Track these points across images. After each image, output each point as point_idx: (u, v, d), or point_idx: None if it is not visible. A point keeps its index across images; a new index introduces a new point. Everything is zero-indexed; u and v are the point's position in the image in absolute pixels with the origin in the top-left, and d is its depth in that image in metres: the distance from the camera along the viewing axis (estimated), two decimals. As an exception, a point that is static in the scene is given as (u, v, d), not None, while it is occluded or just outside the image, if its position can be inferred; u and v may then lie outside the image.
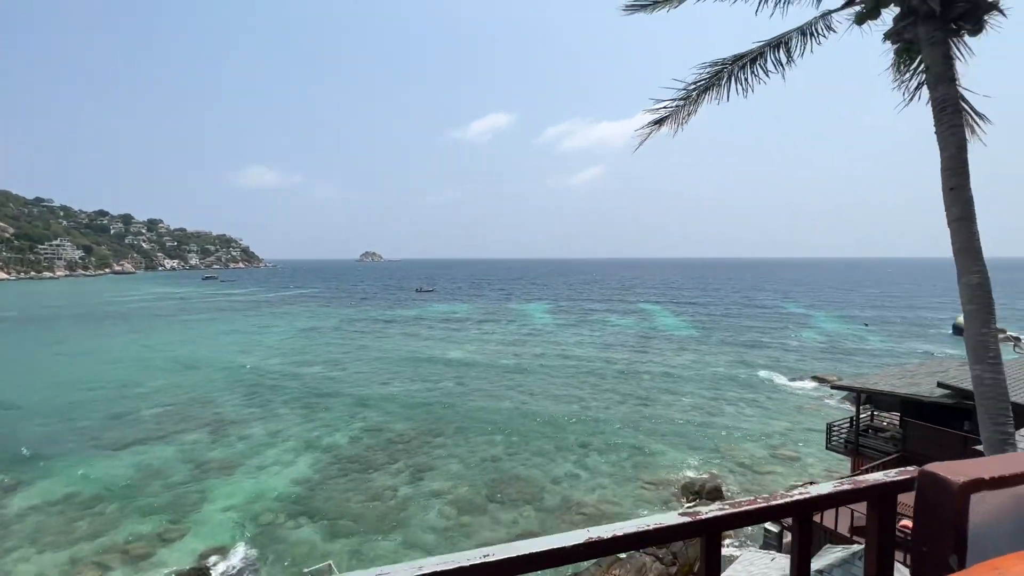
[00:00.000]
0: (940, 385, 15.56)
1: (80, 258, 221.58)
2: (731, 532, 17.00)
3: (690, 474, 21.61)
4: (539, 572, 0.98)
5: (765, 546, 14.40)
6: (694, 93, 8.15)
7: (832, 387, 20.90)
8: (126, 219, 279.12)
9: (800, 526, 1.26)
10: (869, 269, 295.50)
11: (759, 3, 7.92)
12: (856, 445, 17.53)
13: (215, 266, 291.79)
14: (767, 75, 8.03)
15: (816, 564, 7.30)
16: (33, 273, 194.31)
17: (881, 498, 1.30)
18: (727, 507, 1.14)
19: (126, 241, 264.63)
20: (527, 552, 0.96)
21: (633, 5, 8.00)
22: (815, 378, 37.36)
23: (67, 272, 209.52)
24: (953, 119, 6.65)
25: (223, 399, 33.37)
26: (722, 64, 8.11)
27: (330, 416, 29.78)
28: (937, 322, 67.21)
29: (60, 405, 32.04)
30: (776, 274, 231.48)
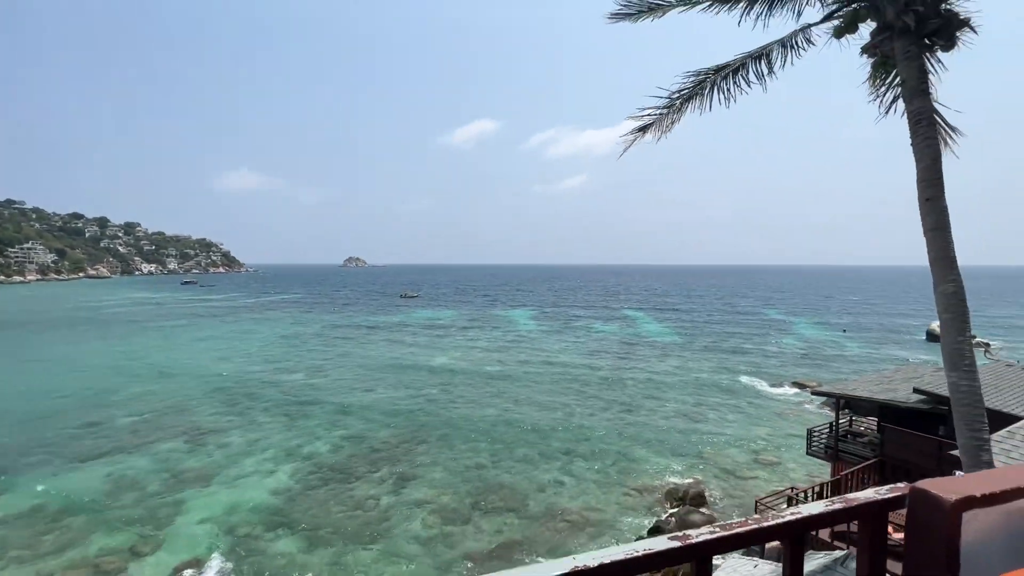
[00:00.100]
0: (916, 391, 15.89)
1: (53, 262, 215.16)
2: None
3: (674, 480, 21.67)
4: None
5: (747, 552, 14.48)
6: (678, 102, 8.24)
7: (812, 393, 21.25)
8: (102, 222, 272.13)
9: (792, 548, 1.22)
10: (850, 277, 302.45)
11: (742, 15, 8.05)
12: (836, 450, 17.79)
13: (195, 271, 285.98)
14: (749, 86, 8.16)
15: (798, 570, 7.32)
16: (2, 277, 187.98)
17: (872, 517, 1.27)
18: (718, 530, 1.10)
19: (102, 245, 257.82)
20: None
21: (618, 13, 8.07)
22: (795, 384, 37.94)
23: (39, 276, 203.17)
24: (928, 132, 6.82)
25: (200, 407, 32.57)
26: (705, 74, 8.21)
27: (311, 424, 29.24)
28: (912, 328, 68.91)
29: (27, 414, 30.88)
30: (757, 281, 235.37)
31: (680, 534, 1.08)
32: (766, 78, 8.24)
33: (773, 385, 38.28)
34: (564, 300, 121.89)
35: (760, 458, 24.22)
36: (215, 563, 15.96)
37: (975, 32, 7.01)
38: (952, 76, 7.76)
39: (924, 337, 59.84)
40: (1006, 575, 1.08)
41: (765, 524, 1.13)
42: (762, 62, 8.18)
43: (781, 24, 8.27)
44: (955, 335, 6.58)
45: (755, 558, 11.02)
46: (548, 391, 36.61)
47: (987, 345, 51.50)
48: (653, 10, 7.96)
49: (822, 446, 18.45)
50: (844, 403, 18.41)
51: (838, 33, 7.55)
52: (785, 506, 14.82)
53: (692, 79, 8.17)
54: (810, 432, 18.95)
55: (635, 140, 8.49)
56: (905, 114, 7.10)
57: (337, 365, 45.85)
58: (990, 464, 6.47)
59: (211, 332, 67.52)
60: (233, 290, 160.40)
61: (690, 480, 21.48)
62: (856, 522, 1.29)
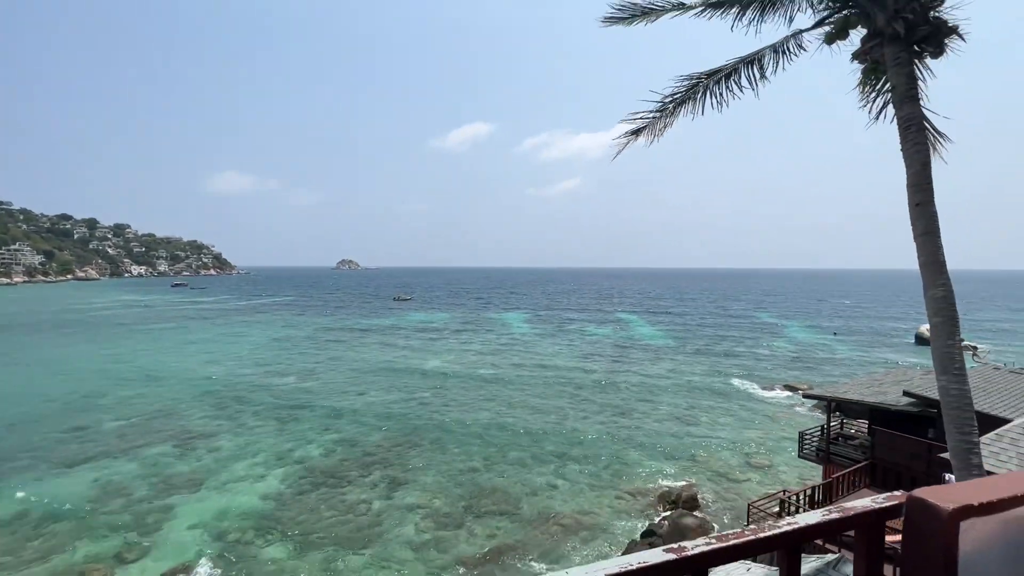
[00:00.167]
0: (906, 394, 16.02)
1: (40, 264, 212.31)
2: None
3: (667, 483, 21.69)
4: None
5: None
6: (670, 106, 8.27)
7: (803, 396, 21.35)
8: (91, 223, 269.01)
9: (789, 558, 1.20)
10: (843, 281, 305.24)
11: (734, 20, 8.10)
12: (827, 453, 17.88)
13: (185, 273, 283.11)
14: (741, 90, 8.21)
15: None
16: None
17: (869, 526, 1.25)
18: (714, 541, 1.07)
19: (90, 246, 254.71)
20: None
21: (611, 17, 8.09)
22: (787, 387, 38.16)
23: (26, 278, 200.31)
24: (918, 137, 6.88)
25: (189, 411, 32.19)
26: (697, 78, 8.25)
27: (302, 428, 28.99)
28: (901, 331, 69.63)
29: (11, 419, 30.35)
30: (750, 284, 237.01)
31: (675, 546, 1.05)
32: (758, 83, 8.30)
33: (765, 388, 38.48)
34: (558, 303, 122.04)
35: (752, 461, 24.30)
36: (203, 569, 15.73)
37: (963, 40, 7.09)
38: (941, 83, 7.86)
39: (913, 340, 60.47)
40: None
41: (762, 535, 1.11)
42: (754, 67, 8.23)
43: (773, 30, 8.35)
44: (945, 339, 6.63)
45: (748, 561, 11.03)
46: (541, 394, 36.56)
47: (974, 348, 52.09)
48: (647, 14, 7.99)
49: (814, 449, 18.54)
50: (835, 406, 18.52)
51: (829, 39, 7.62)
52: (777, 509, 14.87)
53: (685, 83, 8.21)
54: (802, 435, 19.04)
55: (628, 143, 8.52)
56: (895, 119, 7.16)
57: (329, 368, 45.53)
58: (980, 467, 6.51)
59: (201, 335, 66.86)
60: (224, 292, 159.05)
61: (683, 483, 21.50)
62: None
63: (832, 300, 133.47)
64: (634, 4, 7.99)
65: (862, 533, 1.26)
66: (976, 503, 1.08)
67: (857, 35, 7.48)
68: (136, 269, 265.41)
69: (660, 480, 22.12)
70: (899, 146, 7.05)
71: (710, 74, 8.26)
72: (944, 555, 1.06)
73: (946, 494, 1.09)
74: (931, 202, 6.76)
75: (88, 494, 20.64)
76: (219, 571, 15.68)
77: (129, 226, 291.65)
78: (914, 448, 15.43)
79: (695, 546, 1.06)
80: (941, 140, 8.32)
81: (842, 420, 19.57)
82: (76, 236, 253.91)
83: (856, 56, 7.56)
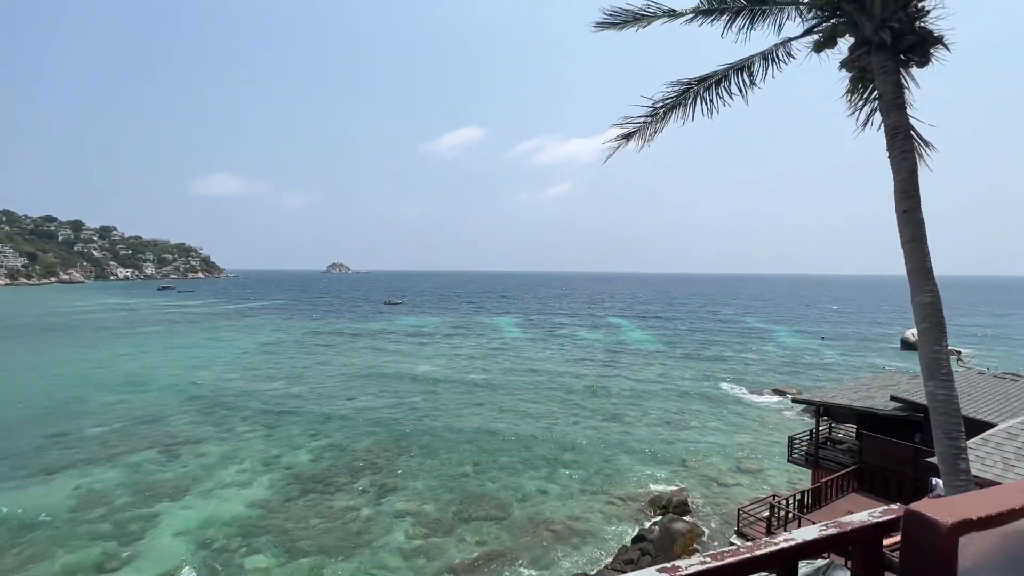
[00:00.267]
0: (893, 399, 16.17)
1: (23, 266, 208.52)
2: (697, 545, 17.08)
3: (657, 488, 21.69)
4: None
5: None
6: (661, 111, 8.30)
7: (792, 400, 21.50)
8: (76, 225, 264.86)
9: (786, 575, 1.16)
10: (832, 286, 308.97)
11: (724, 28, 8.17)
12: (816, 457, 18.00)
13: (172, 276, 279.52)
14: (731, 97, 8.26)
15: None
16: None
17: (866, 541, 1.22)
18: (709, 560, 1.03)
19: (75, 249, 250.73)
20: None
21: (603, 23, 8.12)
22: (776, 391, 38.45)
23: (8, 281, 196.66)
24: (905, 145, 6.95)
25: (174, 417, 31.66)
26: (688, 84, 8.30)
27: (290, 434, 28.62)
28: (887, 336, 70.56)
29: (-8, 424, 29.68)
30: (738, 289, 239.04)
31: (669, 565, 1.01)
32: (747, 90, 8.36)
33: (754, 392, 38.72)
34: (549, 307, 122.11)
35: (742, 465, 24.40)
36: (187, 579, 15.42)
37: (948, 50, 7.20)
38: (925, 91, 7.97)
39: (899, 345, 61.29)
40: None
41: (758, 552, 1.07)
42: (744, 74, 8.30)
43: (762, 38, 8.43)
44: (932, 344, 6.68)
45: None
46: (532, 399, 36.47)
47: (959, 353, 52.92)
48: (638, 20, 8.03)
49: (803, 453, 18.65)
50: (824, 410, 18.66)
51: (818, 47, 7.69)
52: (767, 513, 14.90)
53: (675, 89, 8.26)
54: (791, 440, 19.16)
55: (619, 147, 8.54)
56: (883, 127, 7.24)
57: (318, 373, 45.08)
58: (967, 472, 6.56)
59: (187, 339, 65.93)
60: (212, 296, 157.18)
61: (674, 488, 21.52)
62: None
63: (819, 305, 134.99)
64: (625, 10, 8.02)
65: (859, 548, 1.23)
66: (975, 517, 1.06)
67: (845, 44, 7.56)
68: (122, 272, 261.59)
69: (650, 485, 22.11)
70: (886, 153, 7.12)
71: (700, 80, 8.31)
72: (944, 571, 1.03)
73: (944, 508, 1.06)
74: (918, 209, 6.83)
75: (68, 502, 20.17)
76: (203, 580, 15.37)
77: (115, 228, 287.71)
78: (901, 453, 15.57)
79: (689, 565, 1.01)
80: (927, 148, 8.43)
81: (830, 424, 19.72)
82: (60, 238, 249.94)
83: (844, 64, 7.65)
